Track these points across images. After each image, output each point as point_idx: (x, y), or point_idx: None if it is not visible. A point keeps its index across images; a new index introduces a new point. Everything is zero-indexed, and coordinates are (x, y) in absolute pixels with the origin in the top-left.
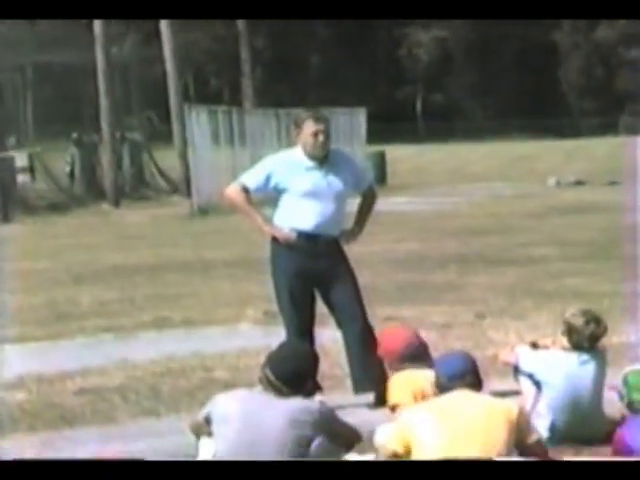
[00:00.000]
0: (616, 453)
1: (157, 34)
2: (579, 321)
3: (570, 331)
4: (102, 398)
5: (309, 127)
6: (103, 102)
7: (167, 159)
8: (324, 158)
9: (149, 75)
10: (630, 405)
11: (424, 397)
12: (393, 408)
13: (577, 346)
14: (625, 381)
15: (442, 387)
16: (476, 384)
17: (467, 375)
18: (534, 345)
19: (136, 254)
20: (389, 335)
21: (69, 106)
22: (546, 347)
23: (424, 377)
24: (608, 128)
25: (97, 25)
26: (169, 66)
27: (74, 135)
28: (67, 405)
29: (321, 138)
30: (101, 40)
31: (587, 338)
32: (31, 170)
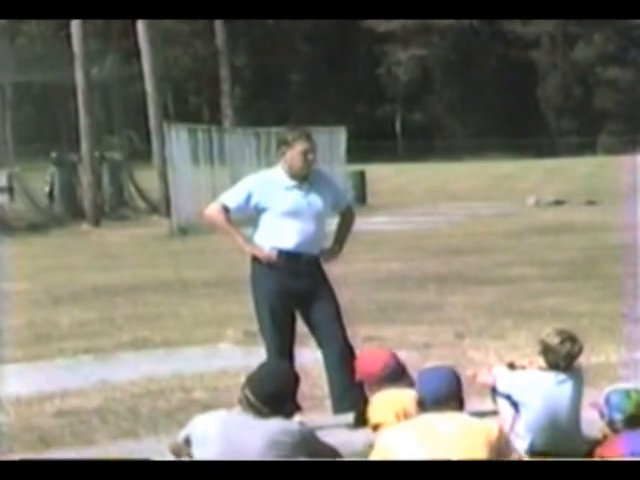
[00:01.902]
0: None
1: (137, 53)
2: (554, 340)
3: (546, 351)
4: (81, 420)
5: (300, 145)
6: (83, 121)
7: (147, 179)
8: (304, 178)
9: (129, 94)
10: (611, 424)
11: (407, 416)
12: (375, 427)
13: (553, 366)
14: (607, 400)
15: (425, 409)
16: (458, 406)
17: (451, 400)
18: (511, 366)
19: (116, 274)
20: (366, 358)
21: (48, 125)
22: (523, 367)
23: (407, 396)
24: (586, 147)
25: (76, 44)
26: (149, 85)
27: (53, 154)
28: (46, 427)
29: (311, 157)
30: (81, 59)
31: (563, 357)
32: (10, 190)
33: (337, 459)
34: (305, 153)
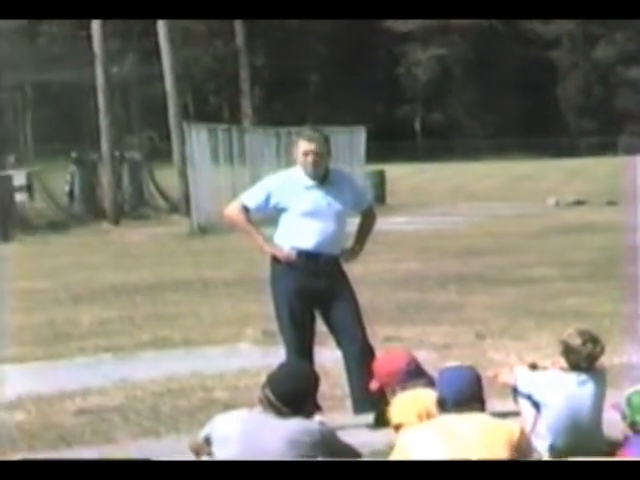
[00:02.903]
0: None
1: (157, 52)
2: (576, 341)
3: (568, 351)
4: (102, 418)
5: (301, 146)
6: (103, 121)
7: (167, 178)
8: (324, 177)
9: (149, 93)
10: (633, 425)
11: (429, 416)
12: (397, 427)
13: (575, 366)
14: (629, 402)
15: (446, 409)
16: (480, 407)
17: (473, 401)
18: (533, 366)
19: (136, 273)
20: (382, 362)
21: (69, 125)
22: (545, 368)
23: (428, 396)
24: (607, 148)
25: (97, 43)
26: (169, 84)
27: (73, 154)
28: (67, 425)
29: (310, 158)
30: (101, 58)
31: (585, 358)
32: (29, 189)
33: (357, 459)
34: (306, 154)
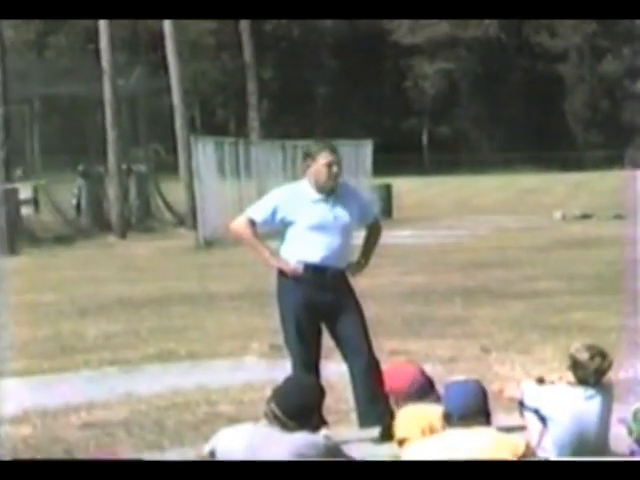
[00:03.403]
0: None
1: (164, 65)
2: (584, 356)
3: (575, 366)
4: (106, 432)
5: (324, 158)
6: (110, 134)
7: (173, 191)
8: (331, 191)
9: (156, 107)
10: (639, 441)
11: (432, 431)
12: (401, 442)
13: (583, 381)
14: (635, 416)
15: (452, 424)
16: (485, 421)
17: (478, 415)
18: (540, 380)
19: (141, 286)
20: (393, 372)
21: (76, 138)
22: (552, 382)
23: (433, 411)
24: (614, 161)
25: (104, 57)
26: (176, 98)
27: (81, 167)
28: (71, 439)
29: (335, 169)
30: (109, 72)
31: (592, 373)
32: (35, 202)
33: (347, 459)
34: (329, 165)
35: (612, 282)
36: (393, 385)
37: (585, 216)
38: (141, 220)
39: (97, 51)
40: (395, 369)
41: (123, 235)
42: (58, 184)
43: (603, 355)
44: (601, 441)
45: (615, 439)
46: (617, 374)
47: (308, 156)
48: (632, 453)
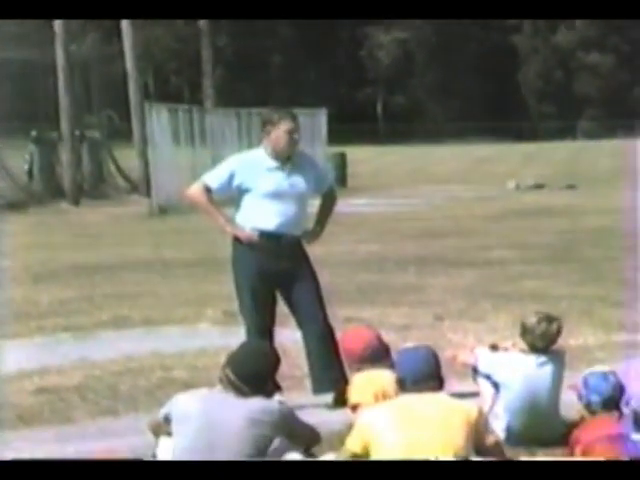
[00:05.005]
0: (572, 455)
1: (118, 32)
2: (531, 320)
3: (524, 332)
4: (60, 398)
5: (285, 124)
6: (63, 100)
7: (127, 158)
8: (287, 159)
9: (109, 73)
10: (588, 406)
11: (385, 397)
12: (354, 408)
13: (532, 347)
14: (585, 383)
15: (405, 389)
16: (438, 386)
17: (431, 379)
18: (494, 347)
19: (95, 253)
20: (350, 335)
21: (28, 103)
22: (505, 349)
23: (386, 377)
24: (566, 132)
25: (57, 22)
26: (129, 64)
27: (33, 133)
28: (25, 405)
29: (295, 136)
30: (61, 37)
31: (540, 337)
32: None
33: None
34: (290, 132)
35: (564, 251)
36: (348, 347)
37: (538, 186)
38: (94, 187)
39: None
40: (352, 332)
41: (76, 202)
42: (10, 150)
43: (550, 320)
44: (552, 407)
45: (565, 405)
46: (568, 342)
47: (268, 123)
48: (581, 420)
